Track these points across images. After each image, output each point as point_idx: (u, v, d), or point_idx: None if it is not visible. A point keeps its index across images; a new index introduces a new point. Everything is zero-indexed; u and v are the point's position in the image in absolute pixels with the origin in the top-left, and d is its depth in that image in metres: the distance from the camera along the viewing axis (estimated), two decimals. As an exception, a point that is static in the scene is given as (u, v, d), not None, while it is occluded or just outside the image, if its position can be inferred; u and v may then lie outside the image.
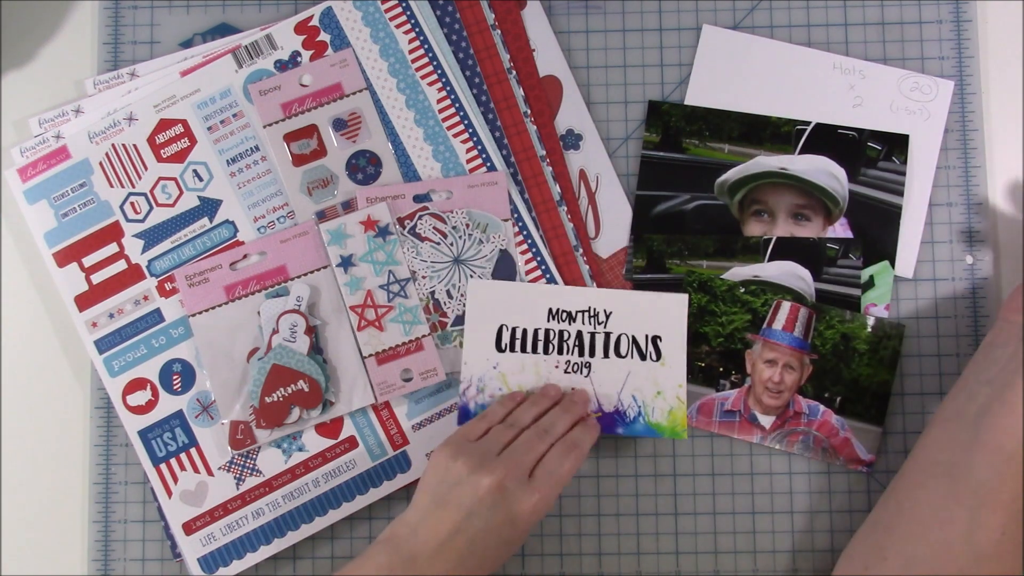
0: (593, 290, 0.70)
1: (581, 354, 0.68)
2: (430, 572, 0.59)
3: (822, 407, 0.71)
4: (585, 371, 0.68)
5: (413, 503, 0.62)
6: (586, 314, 0.69)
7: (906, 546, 0.61)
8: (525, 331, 0.69)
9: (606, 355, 0.68)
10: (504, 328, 0.69)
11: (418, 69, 0.72)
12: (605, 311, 0.69)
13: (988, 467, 0.59)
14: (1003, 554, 0.58)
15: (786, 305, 0.71)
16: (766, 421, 0.71)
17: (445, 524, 0.60)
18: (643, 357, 0.68)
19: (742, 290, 0.71)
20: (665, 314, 0.69)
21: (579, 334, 0.68)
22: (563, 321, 0.68)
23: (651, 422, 0.68)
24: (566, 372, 0.68)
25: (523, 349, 0.69)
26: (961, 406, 0.62)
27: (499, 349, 0.69)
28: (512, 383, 0.69)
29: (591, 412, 0.69)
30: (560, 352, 0.69)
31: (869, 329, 0.71)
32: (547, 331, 0.68)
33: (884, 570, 0.61)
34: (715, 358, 0.71)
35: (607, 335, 0.68)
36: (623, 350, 0.68)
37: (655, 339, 0.69)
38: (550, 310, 0.69)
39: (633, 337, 0.68)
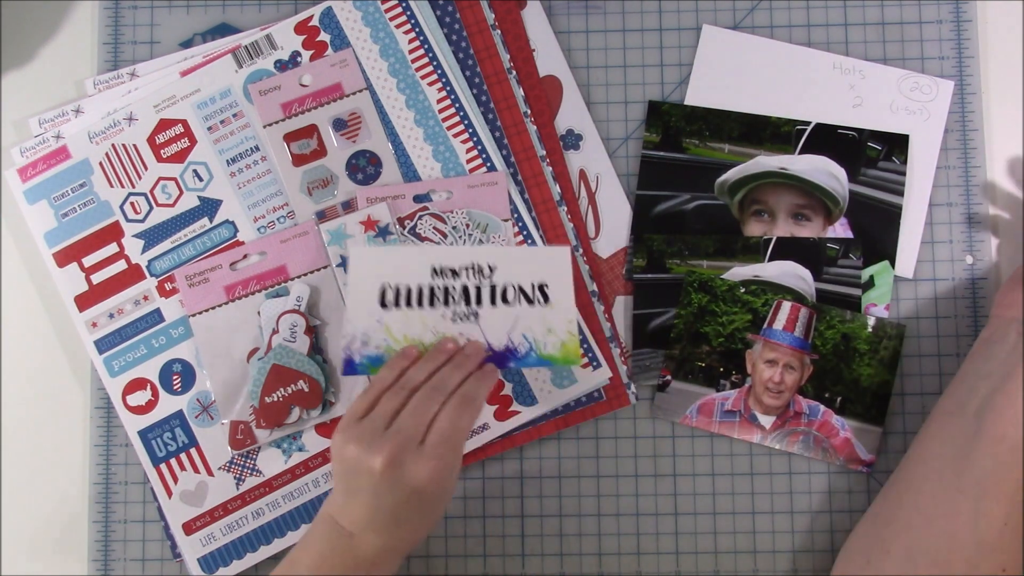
0: (475, 248, 0.69)
1: (468, 304, 0.66)
2: (367, 545, 0.58)
3: (822, 407, 0.71)
4: (473, 319, 0.65)
5: (333, 488, 0.61)
6: (470, 270, 0.66)
7: (909, 538, 0.61)
8: (409, 289, 0.66)
9: (493, 304, 0.66)
10: (387, 287, 0.66)
11: (418, 69, 0.72)
12: (489, 266, 0.66)
13: (991, 457, 0.59)
14: (1006, 544, 0.59)
15: (787, 305, 0.71)
16: (766, 421, 0.71)
17: (362, 509, 0.58)
18: (531, 302, 0.66)
19: (742, 290, 0.71)
20: (548, 266, 0.67)
21: (464, 288, 0.66)
22: (447, 277, 0.66)
23: (543, 354, 0.65)
24: (453, 322, 0.65)
25: (408, 304, 0.66)
26: (961, 400, 0.63)
27: (382, 306, 0.65)
28: (398, 335, 0.65)
29: (486, 352, 0.65)
30: (446, 304, 0.66)
31: (869, 329, 0.71)
32: (432, 287, 0.66)
33: (887, 563, 0.61)
34: (715, 358, 0.71)
35: (492, 287, 0.66)
36: (510, 298, 0.66)
37: (541, 287, 0.66)
38: (434, 268, 0.66)
39: (519, 286, 0.66)
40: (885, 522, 0.63)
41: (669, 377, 0.71)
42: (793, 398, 0.71)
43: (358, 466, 0.57)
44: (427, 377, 0.61)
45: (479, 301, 0.66)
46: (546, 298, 0.66)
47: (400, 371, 0.62)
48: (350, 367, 0.64)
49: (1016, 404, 0.59)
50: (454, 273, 0.66)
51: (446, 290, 0.66)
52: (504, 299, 0.66)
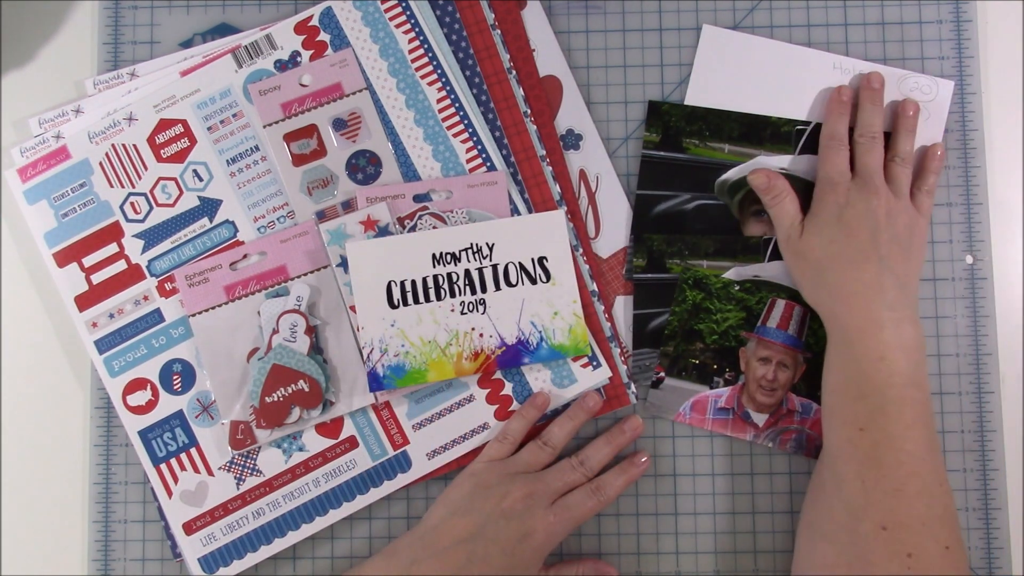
0: (471, 226, 0.70)
1: (473, 292, 0.68)
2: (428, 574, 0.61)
3: (815, 405, 0.71)
4: (481, 308, 0.68)
5: (425, 517, 0.65)
6: (469, 251, 0.69)
7: (806, 519, 0.66)
8: (414, 282, 0.68)
9: (497, 288, 0.68)
10: (393, 284, 0.68)
11: (418, 69, 0.72)
12: (488, 244, 0.69)
13: (827, 427, 0.66)
14: (876, 501, 0.61)
15: (781, 303, 0.71)
16: (759, 419, 0.71)
17: (455, 531, 0.62)
18: (533, 281, 0.69)
19: (737, 288, 0.72)
20: (545, 234, 0.69)
21: (467, 273, 0.68)
22: (448, 263, 0.68)
23: (554, 344, 0.69)
24: (463, 314, 0.68)
25: (416, 300, 0.68)
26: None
27: (392, 306, 0.68)
28: (412, 337, 0.68)
29: (643, 452, 0.70)
30: (452, 295, 0.68)
31: (869, 329, 0.71)
32: (435, 277, 0.68)
33: (801, 541, 0.66)
34: (709, 355, 0.71)
35: (494, 267, 0.68)
36: (513, 279, 0.68)
37: (541, 260, 0.69)
38: (434, 255, 0.69)
39: (520, 263, 0.69)
40: (801, 514, 0.67)
41: (663, 374, 0.71)
42: (786, 396, 0.71)
43: (489, 492, 0.64)
44: (568, 436, 0.68)
45: (483, 287, 0.68)
46: (547, 274, 0.69)
47: (531, 421, 0.69)
48: (376, 382, 0.68)
49: (826, 373, 0.66)
50: (455, 258, 0.68)
51: (450, 278, 0.68)
52: (507, 281, 0.68)
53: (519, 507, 0.63)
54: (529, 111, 0.72)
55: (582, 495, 0.66)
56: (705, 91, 0.73)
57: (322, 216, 0.71)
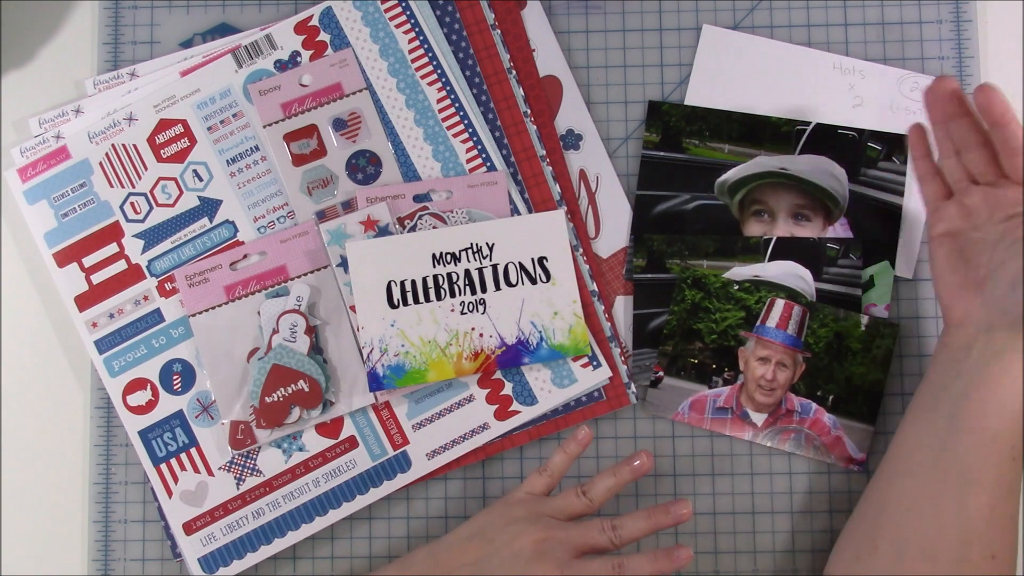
0: (471, 226, 0.70)
1: (473, 292, 0.68)
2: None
3: (814, 405, 0.71)
4: (481, 308, 0.68)
5: (449, 533, 0.64)
6: (469, 251, 0.69)
7: (895, 533, 0.61)
8: (414, 282, 0.68)
9: (497, 288, 0.68)
10: (393, 284, 0.68)
11: (418, 69, 0.72)
12: (487, 244, 0.69)
13: (971, 449, 0.60)
14: (994, 531, 0.59)
15: (780, 303, 0.71)
16: (758, 419, 0.71)
17: (466, 555, 0.61)
18: (533, 281, 0.69)
19: (736, 287, 0.72)
20: (546, 234, 0.69)
21: (467, 273, 0.68)
22: (448, 263, 0.68)
23: (553, 344, 0.68)
24: (463, 314, 0.68)
25: (416, 300, 0.68)
26: (935, 398, 0.63)
27: (392, 306, 0.68)
28: (412, 337, 0.68)
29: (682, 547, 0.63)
30: (452, 295, 0.68)
31: (862, 328, 0.71)
32: (435, 276, 0.68)
33: (874, 559, 0.62)
34: (708, 355, 0.72)
35: (494, 267, 0.69)
36: (513, 279, 0.69)
37: (541, 260, 0.69)
38: (434, 255, 0.69)
39: (520, 263, 0.69)
40: (871, 521, 0.64)
41: (662, 373, 0.71)
42: (785, 396, 0.71)
43: (509, 526, 0.62)
44: (609, 494, 0.64)
45: (483, 287, 0.68)
46: (547, 274, 0.68)
47: (573, 457, 0.65)
48: (376, 382, 0.68)
49: (994, 398, 0.60)
50: (455, 258, 0.68)
51: (450, 278, 0.68)
52: (507, 281, 0.68)
53: (528, 551, 0.61)
54: (529, 111, 0.72)
55: (601, 568, 0.61)
56: (705, 91, 0.73)
57: (322, 216, 0.71)
